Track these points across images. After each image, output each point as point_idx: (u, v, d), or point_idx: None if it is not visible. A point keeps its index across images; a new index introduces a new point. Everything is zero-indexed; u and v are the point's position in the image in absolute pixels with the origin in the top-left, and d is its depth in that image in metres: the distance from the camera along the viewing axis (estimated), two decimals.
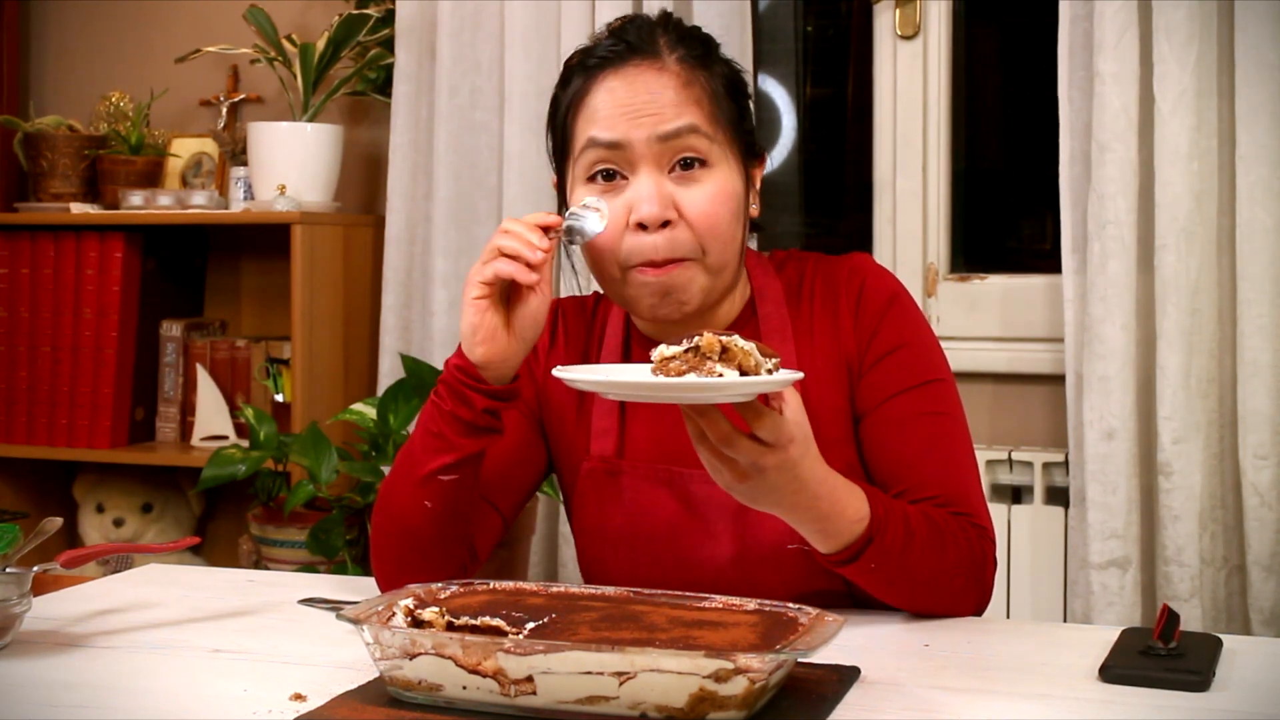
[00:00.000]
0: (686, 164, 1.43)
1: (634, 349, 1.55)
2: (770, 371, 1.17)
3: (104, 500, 2.99)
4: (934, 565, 1.39)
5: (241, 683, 1.22)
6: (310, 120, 2.86)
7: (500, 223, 1.55)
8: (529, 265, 1.35)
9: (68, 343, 2.93)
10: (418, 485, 1.42)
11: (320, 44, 2.85)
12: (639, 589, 1.28)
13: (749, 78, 1.57)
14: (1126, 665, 1.20)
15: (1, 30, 3.15)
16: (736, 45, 2.55)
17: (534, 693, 1.08)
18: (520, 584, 1.31)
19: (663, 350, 1.18)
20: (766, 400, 1.21)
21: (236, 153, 2.99)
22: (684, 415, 1.22)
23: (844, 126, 3.00)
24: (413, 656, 1.11)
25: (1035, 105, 2.66)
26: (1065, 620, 2.43)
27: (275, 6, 2.93)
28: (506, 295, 1.39)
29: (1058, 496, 2.50)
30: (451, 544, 1.46)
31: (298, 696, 1.16)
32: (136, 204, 2.91)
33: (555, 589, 1.29)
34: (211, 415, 2.91)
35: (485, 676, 1.09)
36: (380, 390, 2.74)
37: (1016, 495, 2.56)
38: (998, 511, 2.43)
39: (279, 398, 2.85)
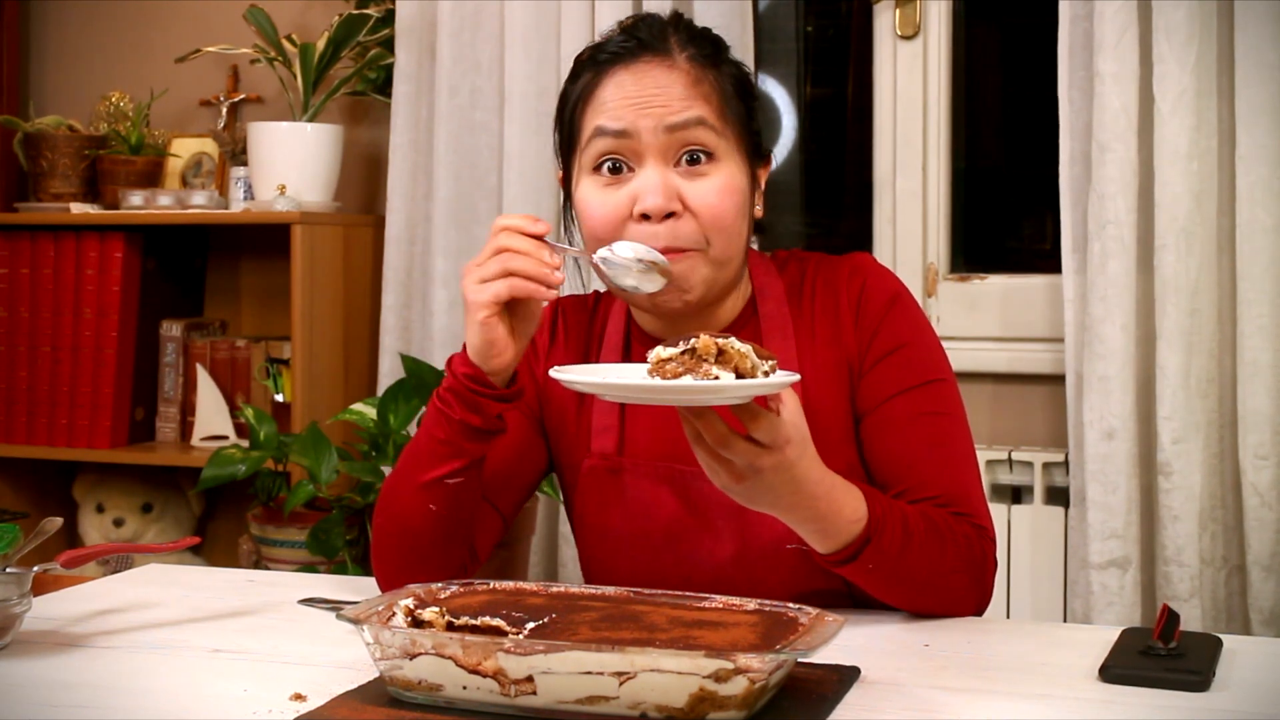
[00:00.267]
0: (693, 158, 1.43)
1: (634, 347, 1.55)
2: (767, 373, 1.17)
3: (104, 500, 2.99)
4: (933, 565, 1.39)
5: (241, 683, 1.22)
6: (310, 120, 2.86)
7: None
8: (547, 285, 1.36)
9: (68, 343, 2.93)
10: (422, 489, 1.42)
11: (320, 44, 2.85)
12: (639, 589, 1.28)
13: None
14: (1126, 665, 1.20)
15: (1, 30, 3.15)
16: (737, 45, 2.53)
17: (534, 693, 1.08)
18: (520, 584, 1.31)
19: (659, 352, 1.18)
20: (764, 401, 1.21)
21: (236, 153, 2.98)
22: (681, 417, 1.22)
23: (844, 126, 3.00)
24: (413, 656, 1.11)
25: (1035, 105, 2.66)
26: (1065, 620, 2.43)
27: (275, 6, 2.92)
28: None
29: (1058, 496, 2.50)
30: (453, 545, 1.46)
31: (298, 696, 1.16)
32: (136, 204, 2.91)
33: (555, 589, 1.29)
34: (211, 415, 2.91)
35: (485, 676, 1.09)
36: (380, 390, 2.74)
37: (1016, 495, 2.56)
38: (998, 511, 2.43)
39: (279, 398, 2.85)
